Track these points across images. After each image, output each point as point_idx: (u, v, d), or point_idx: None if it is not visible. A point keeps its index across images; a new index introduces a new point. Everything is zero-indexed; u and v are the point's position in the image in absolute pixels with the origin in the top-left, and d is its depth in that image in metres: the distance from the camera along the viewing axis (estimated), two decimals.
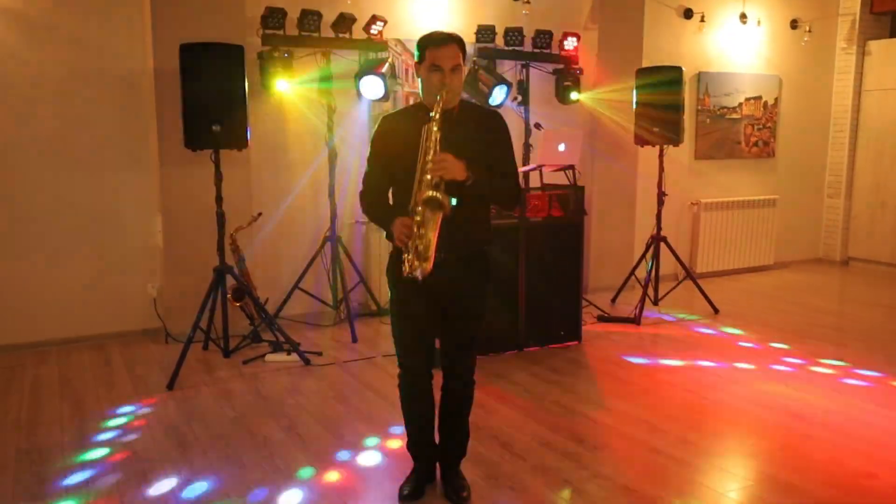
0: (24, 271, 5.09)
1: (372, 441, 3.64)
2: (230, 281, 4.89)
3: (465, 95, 3.52)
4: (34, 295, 5.13)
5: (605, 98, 6.60)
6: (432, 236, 2.64)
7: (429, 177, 2.62)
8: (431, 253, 2.65)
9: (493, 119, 2.96)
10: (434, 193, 2.59)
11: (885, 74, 7.89)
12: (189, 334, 4.57)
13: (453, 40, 2.79)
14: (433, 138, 2.66)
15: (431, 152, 2.65)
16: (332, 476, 3.28)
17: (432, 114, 2.69)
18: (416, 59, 2.85)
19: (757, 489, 3.18)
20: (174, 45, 4.68)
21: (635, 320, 5.82)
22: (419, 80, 2.86)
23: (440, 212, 2.61)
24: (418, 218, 2.64)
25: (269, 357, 4.87)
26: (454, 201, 2.63)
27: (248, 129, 4.67)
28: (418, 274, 2.64)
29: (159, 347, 5.18)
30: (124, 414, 4.00)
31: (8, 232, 5.03)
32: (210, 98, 4.47)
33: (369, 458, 3.46)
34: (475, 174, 2.72)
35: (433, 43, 2.78)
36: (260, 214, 5.22)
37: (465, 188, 2.71)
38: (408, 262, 2.66)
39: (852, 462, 3.40)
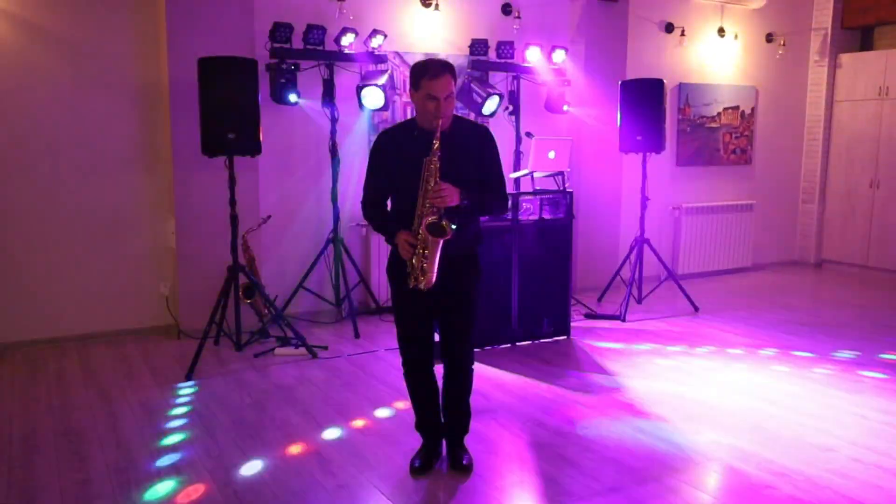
0: (43, 270, 5.38)
1: (382, 419, 3.98)
2: (241, 279, 5.20)
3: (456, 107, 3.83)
4: (53, 292, 5.42)
5: (591, 108, 6.98)
6: (435, 257, 3.05)
7: (428, 203, 3.01)
8: (435, 269, 3.05)
9: (483, 133, 3.31)
10: (437, 220, 2.98)
11: (855, 86, 8.33)
12: (205, 328, 4.88)
13: (447, 71, 3.10)
14: (434, 168, 3.02)
15: (432, 181, 3.02)
16: (346, 451, 3.61)
17: (434, 145, 3.02)
18: (411, 85, 3.17)
19: (729, 461, 3.54)
20: (188, 57, 5.02)
21: (620, 317, 6.19)
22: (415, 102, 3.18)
23: (442, 237, 2.98)
24: (421, 236, 3.02)
25: (279, 350, 5.18)
26: (454, 226, 3.00)
27: (261, 136, 4.99)
28: (423, 287, 3.08)
29: (172, 342, 5.48)
30: (149, 400, 4.31)
31: (29, 232, 5.31)
32: (226, 108, 4.79)
33: (381, 435, 3.80)
34: (468, 197, 3.08)
35: (429, 74, 3.07)
36: (269, 217, 5.55)
37: (460, 209, 3.08)
38: (413, 276, 3.07)
39: (814, 438, 3.78)
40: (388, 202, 3.35)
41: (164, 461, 3.51)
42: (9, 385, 4.57)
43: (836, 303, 7.00)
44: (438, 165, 3.02)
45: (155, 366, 4.96)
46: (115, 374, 4.80)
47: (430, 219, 2.99)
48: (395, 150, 3.23)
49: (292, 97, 5.65)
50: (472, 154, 3.22)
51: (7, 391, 4.46)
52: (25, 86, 5.20)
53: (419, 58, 6.24)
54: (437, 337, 3.45)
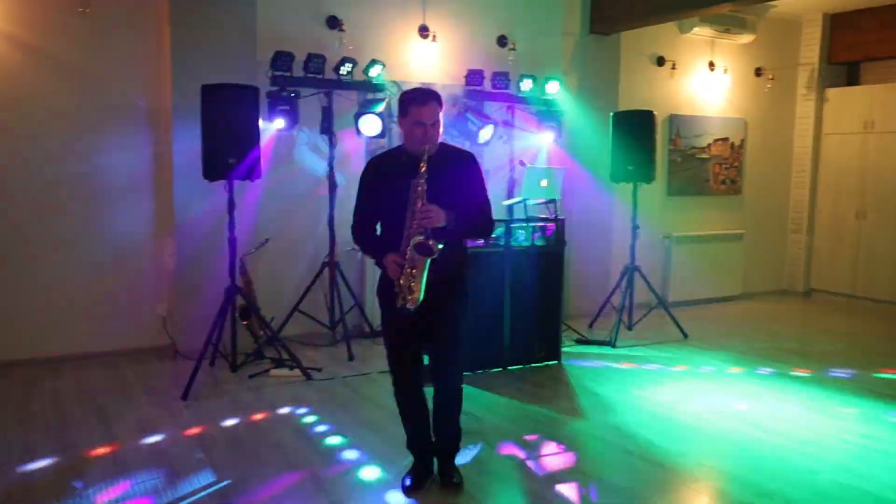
0: (41, 290, 5.46)
1: (374, 442, 4.05)
2: (238, 301, 5.28)
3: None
4: (51, 312, 5.49)
5: (584, 138, 7.13)
6: (421, 276, 3.14)
7: (415, 223, 3.11)
8: (421, 288, 3.14)
9: (467, 159, 3.44)
10: (424, 239, 3.08)
11: (842, 119, 8.53)
12: (202, 349, 4.95)
13: (434, 98, 3.25)
14: (421, 191, 3.13)
15: (419, 202, 3.13)
16: (340, 470, 3.68)
17: (421, 169, 3.14)
18: (400, 112, 3.29)
19: (716, 482, 3.62)
20: (191, 84, 5.15)
21: (611, 343, 6.29)
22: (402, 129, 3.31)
23: (429, 256, 3.08)
24: (408, 256, 3.12)
25: (274, 372, 5.26)
26: (440, 246, 3.10)
27: (261, 162, 5.10)
28: (410, 306, 3.16)
29: (168, 363, 5.54)
30: (145, 419, 4.37)
31: (29, 252, 5.40)
32: (227, 133, 4.90)
33: (373, 455, 3.86)
34: (453, 219, 3.18)
35: (417, 101, 3.22)
36: (267, 240, 5.65)
37: (445, 231, 3.18)
38: (401, 296, 3.16)
39: (797, 460, 3.87)
40: (378, 227, 3.45)
41: (160, 480, 3.57)
42: (5, 403, 4.62)
43: (824, 331, 7.10)
44: (425, 188, 3.14)
45: (151, 386, 5.02)
46: (111, 392, 4.86)
47: (417, 238, 3.09)
48: (383, 175, 3.35)
49: (291, 124, 5.76)
50: (458, 178, 3.34)
51: (4, 409, 4.52)
52: (30, 108, 5.32)
53: (416, 87, 6.40)
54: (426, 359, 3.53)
